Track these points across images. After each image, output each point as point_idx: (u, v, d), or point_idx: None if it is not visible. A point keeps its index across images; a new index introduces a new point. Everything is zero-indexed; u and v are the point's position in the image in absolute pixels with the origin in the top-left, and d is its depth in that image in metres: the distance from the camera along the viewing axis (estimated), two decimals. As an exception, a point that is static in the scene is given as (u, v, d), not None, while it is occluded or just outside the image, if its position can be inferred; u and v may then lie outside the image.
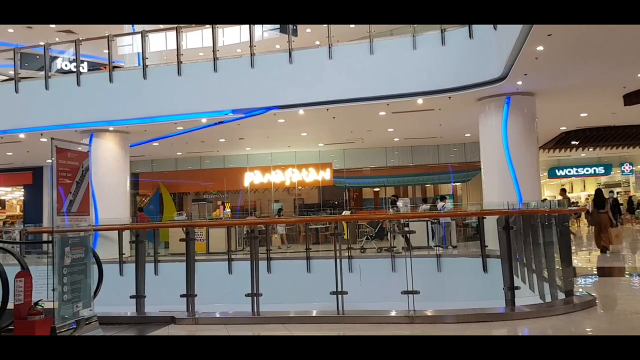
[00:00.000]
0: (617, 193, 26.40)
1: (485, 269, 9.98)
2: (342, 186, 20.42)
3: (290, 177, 19.75)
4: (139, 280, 6.41)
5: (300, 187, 20.34)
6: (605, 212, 13.13)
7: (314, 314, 5.89)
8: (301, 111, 13.25)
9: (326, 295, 5.97)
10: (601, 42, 8.92)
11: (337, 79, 12.61)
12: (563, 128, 17.92)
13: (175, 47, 13.35)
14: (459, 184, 21.11)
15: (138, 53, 14.43)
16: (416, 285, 5.86)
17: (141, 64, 13.70)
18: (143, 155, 19.09)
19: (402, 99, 12.58)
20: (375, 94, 12.54)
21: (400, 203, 15.23)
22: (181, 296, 6.10)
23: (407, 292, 5.69)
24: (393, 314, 5.68)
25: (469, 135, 16.63)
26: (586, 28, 8.08)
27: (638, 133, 18.36)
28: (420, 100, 12.60)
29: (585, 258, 12.06)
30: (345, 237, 14.39)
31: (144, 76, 13.50)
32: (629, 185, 26.96)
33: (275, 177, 19.84)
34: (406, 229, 6.37)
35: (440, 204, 15.17)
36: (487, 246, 10.05)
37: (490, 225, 7.99)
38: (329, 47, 12.63)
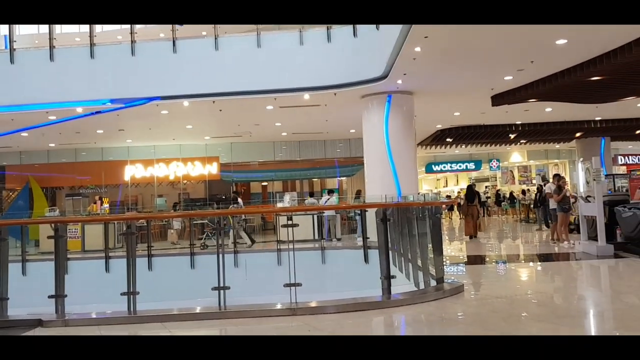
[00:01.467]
0: (486, 187, 28.67)
1: (366, 259, 10.37)
2: (230, 180, 20.18)
3: (174, 170, 19.13)
4: (1, 282, 5.88)
5: (185, 182, 19.78)
6: (475, 204, 14.89)
7: (195, 311, 5.76)
8: (186, 103, 12.87)
9: (210, 291, 5.88)
10: (471, 47, 9.60)
11: (224, 71, 12.41)
12: (439, 126, 19.06)
13: (48, 31, 12.38)
14: (344, 178, 21.72)
15: (5, 35, 13.21)
16: (300, 278, 5.95)
17: (8, 47, 12.55)
18: (10, 147, 17.53)
19: (289, 94, 12.66)
20: (263, 87, 12.51)
21: (287, 197, 15.34)
22: (49, 297, 5.69)
23: (289, 285, 5.76)
24: (275, 307, 5.72)
25: (353, 131, 17.15)
26: (457, 32, 8.65)
27: (504, 132, 20.01)
28: (306, 96, 12.77)
29: (457, 247, 12.96)
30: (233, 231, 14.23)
31: (12, 60, 12.40)
32: (496, 180, 29.35)
33: (159, 171, 19.11)
34: (289, 222, 6.40)
35: (324, 198, 15.50)
36: (368, 238, 10.45)
37: (372, 218, 8.30)
38: (215, 38, 12.40)
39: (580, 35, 9.08)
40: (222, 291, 5.81)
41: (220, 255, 5.95)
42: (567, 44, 9.55)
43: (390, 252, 7.37)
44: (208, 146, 19.60)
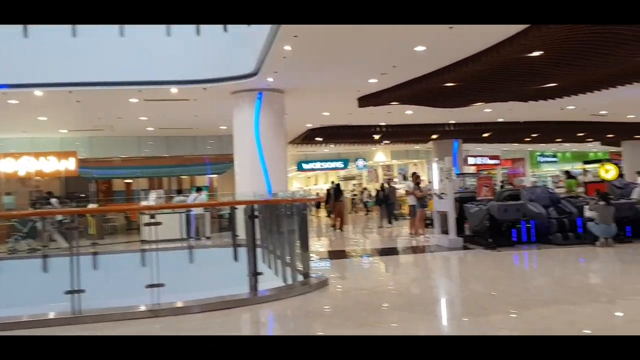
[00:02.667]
0: (354, 185, 29.85)
1: (236, 257, 10.28)
2: (89, 177, 18.88)
3: (25, 166, 17.45)
4: None
5: (38, 178, 18.15)
6: (342, 201, 16.19)
7: (47, 317, 5.32)
8: (38, 92, 11.81)
9: (64, 295, 5.46)
10: (338, 49, 9.91)
11: (82, 59, 11.53)
12: (309, 125, 19.47)
13: None
14: (215, 175, 21.34)
15: None
16: (166, 279, 5.75)
17: None
18: None
19: (155, 87, 12.14)
20: (126, 79, 11.86)
21: (152, 195, 14.72)
22: None
23: (151, 286, 5.54)
24: (136, 309, 5.46)
25: (224, 127, 16.91)
26: (325, 33, 8.89)
27: (369, 132, 20.98)
28: (174, 89, 12.35)
29: (324, 242, 13.35)
30: (91, 231, 13.36)
31: None
32: (362, 178, 30.69)
33: (6, 166, 17.32)
34: (152, 220, 6.15)
35: (193, 196, 15.12)
36: (238, 236, 10.36)
37: (242, 216, 8.27)
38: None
39: (437, 42, 9.78)
40: (76, 295, 5.42)
41: (74, 257, 5.55)
42: (426, 51, 10.24)
43: (260, 249, 7.41)
44: (64, 140, 18.16)
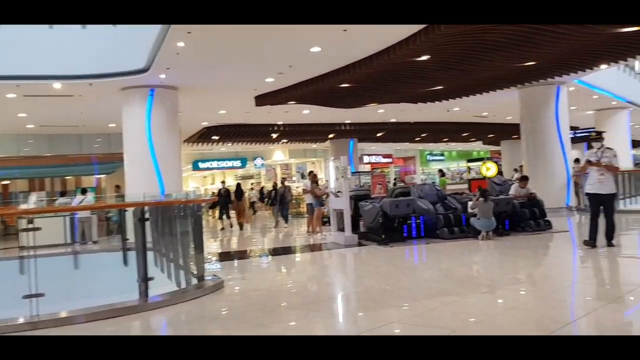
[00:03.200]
0: (252, 184, 29.67)
1: (126, 262, 9.81)
2: (-41, 178, 17.19)
3: None
4: None
5: None
6: (242, 200, 16.40)
7: None
8: None
9: None
10: (233, 47, 9.80)
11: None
12: (205, 123, 19.08)
13: None
14: (103, 175, 20.26)
15: None
16: (47, 287, 5.35)
17: None
18: None
19: (35, 82, 11.33)
20: (2, 72, 10.96)
21: (32, 197, 13.65)
22: None
23: (29, 296, 5.13)
24: (12, 322, 5.03)
25: (113, 125, 16.11)
26: (218, 31, 8.74)
27: (267, 131, 20.96)
28: (57, 85, 11.57)
29: (220, 243, 13.14)
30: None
31: None
32: (260, 177, 30.60)
33: None
34: (30, 225, 5.70)
35: (78, 198, 14.21)
36: (128, 239, 9.90)
37: (133, 218, 7.92)
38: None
39: (331, 44, 9.97)
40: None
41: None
42: (321, 52, 10.40)
43: (152, 252, 7.13)
44: None
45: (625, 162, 18.34)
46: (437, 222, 10.57)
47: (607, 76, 16.58)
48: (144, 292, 5.81)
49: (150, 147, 12.39)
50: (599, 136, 8.72)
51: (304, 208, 16.86)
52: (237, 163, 28.78)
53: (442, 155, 38.74)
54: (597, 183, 7.92)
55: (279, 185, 17.42)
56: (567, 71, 13.28)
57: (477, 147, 35.39)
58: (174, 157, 12.98)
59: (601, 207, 7.97)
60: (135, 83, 12.08)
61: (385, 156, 33.56)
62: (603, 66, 13.24)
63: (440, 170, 19.13)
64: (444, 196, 11.56)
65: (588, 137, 11.77)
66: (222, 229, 15.70)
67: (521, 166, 18.16)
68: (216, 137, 21.05)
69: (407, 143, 30.40)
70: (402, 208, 10.38)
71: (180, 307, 5.69)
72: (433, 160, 38.14)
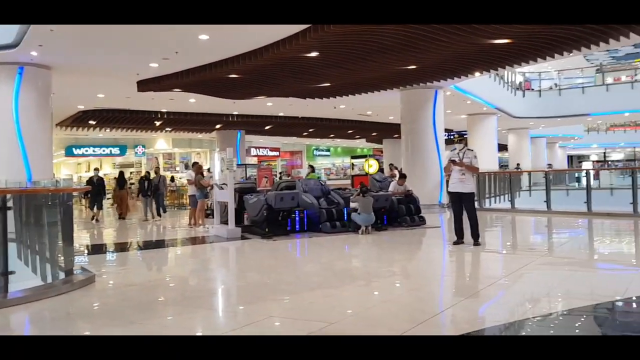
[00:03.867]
0: (131, 173, 28.29)
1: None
2: None
3: None
4: None
5: None
6: (125, 189, 16.12)
7: None
8: None
9: None
10: (115, 27, 9.18)
11: None
12: (81, 107, 17.90)
13: None
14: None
15: None
16: None
17: None
18: None
19: None
20: None
21: None
22: None
23: None
24: None
25: (-27, 103, 14.56)
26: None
27: (150, 118, 20.11)
28: None
29: (95, 235, 12.41)
30: None
31: None
32: (141, 166, 29.26)
33: None
34: None
35: None
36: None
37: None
38: None
39: (220, 33, 9.77)
40: None
41: None
42: (210, 40, 10.16)
43: (15, 244, 6.54)
44: None
45: (491, 164, 20.03)
46: (320, 217, 10.80)
47: (480, 83, 17.97)
48: (3, 287, 5.31)
49: (17, 130, 11.38)
50: (461, 138, 9.61)
51: (186, 199, 16.32)
52: (116, 150, 27.30)
53: (328, 150, 39.64)
54: (458, 182, 8.50)
55: (152, 174, 15.84)
56: (445, 77, 14.17)
57: (361, 144, 36.66)
58: (44, 141, 12.03)
59: (462, 205, 8.58)
60: (1, 59, 11.01)
61: (272, 149, 33.66)
62: (477, 74, 14.30)
63: (311, 166, 19.51)
64: (327, 191, 11.82)
65: (452, 140, 12.82)
66: (95, 219, 14.75)
67: (391, 164, 19.48)
68: (93, 122, 19.82)
69: (295, 137, 30.73)
70: (287, 201, 10.47)
71: (45, 302, 5.28)
72: (320, 155, 38.92)
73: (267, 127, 24.12)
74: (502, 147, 28.92)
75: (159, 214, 15.45)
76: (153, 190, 15.21)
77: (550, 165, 30.51)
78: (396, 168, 17.79)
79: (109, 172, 27.99)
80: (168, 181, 21.26)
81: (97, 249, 10.06)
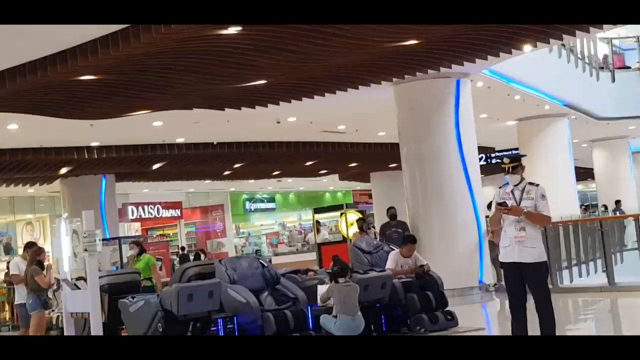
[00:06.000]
0: None
1: None
2: None
3: None
4: None
5: None
6: None
7: None
8: None
9: None
10: None
11: None
12: None
13: None
14: None
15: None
16: None
17: None
18: None
19: None
20: None
21: None
22: None
23: None
24: None
25: None
26: None
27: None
28: None
29: None
30: None
31: None
32: None
33: None
34: None
35: None
36: None
37: None
38: None
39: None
40: None
41: None
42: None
43: None
44: None
45: (568, 204, 20.01)
46: (265, 326, 10.50)
47: (535, 64, 18.08)
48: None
49: None
50: (515, 163, 8.36)
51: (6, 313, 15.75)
52: None
53: (271, 201, 39.60)
54: (515, 244, 8.14)
55: None
56: (471, 54, 14.21)
57: (330, 184, 36.83)
58: None
59: (524, 285, 8.25)
60: None
61: (168, 206, 33.31)
62: (526, 47, 14.39)
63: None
64: (275, 277, 11.59)
65: (497, 165, 11.10)
66: None
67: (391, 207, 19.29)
68: None
69: (208, 181, 30.57)
70: (201, 301, 10.32)
71: None
72: (256, 210, 38.81)
73: (155, 166, 23.86)
74: (583, 173, 29.15)
75: None
76: None
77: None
78: (370, 224, 17.64)
79: None
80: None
81: None
